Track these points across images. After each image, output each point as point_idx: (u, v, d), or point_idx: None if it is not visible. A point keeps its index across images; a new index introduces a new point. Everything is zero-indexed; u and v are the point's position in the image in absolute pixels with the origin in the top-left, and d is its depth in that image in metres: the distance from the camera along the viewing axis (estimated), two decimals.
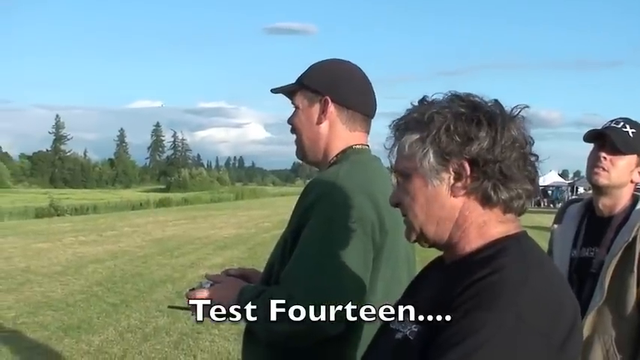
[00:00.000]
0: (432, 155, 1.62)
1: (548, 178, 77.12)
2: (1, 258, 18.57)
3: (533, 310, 1.48)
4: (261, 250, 19.32)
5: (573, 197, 3.97)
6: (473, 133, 1.59)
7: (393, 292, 2.23)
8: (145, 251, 20.45)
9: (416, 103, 1.70)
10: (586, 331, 3.06)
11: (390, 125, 1.74)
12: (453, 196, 1.64)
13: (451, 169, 1.62)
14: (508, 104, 1.67)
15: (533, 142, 1.67)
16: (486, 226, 1.65)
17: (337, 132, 2.61)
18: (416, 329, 1.62)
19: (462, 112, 1.61)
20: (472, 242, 1.65)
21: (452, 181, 1.63)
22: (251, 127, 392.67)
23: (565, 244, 3.34)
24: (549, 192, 74.45)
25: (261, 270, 2.68)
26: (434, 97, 1.69)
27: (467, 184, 1.62)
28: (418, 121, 1.65)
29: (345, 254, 2.31)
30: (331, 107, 2.59)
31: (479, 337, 1.44)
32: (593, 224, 3.28)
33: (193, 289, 2.57)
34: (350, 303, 2.24)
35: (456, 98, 1.66)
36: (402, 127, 1.69)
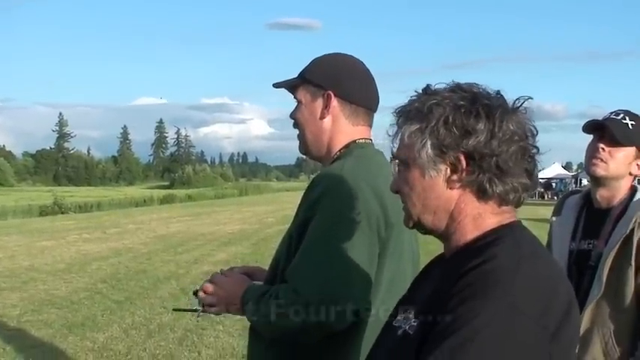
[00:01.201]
0: (429, 147, 1.63)
1: (552, 170, 77.09)
2: (6, 256, 18.57)
3: (526, 297, 1.49)
4: (265, 246, 19.39)
5: (572, 189, 3.98)
6: (470, 126, 1.60)
7: (398, 285, 2.24)
8: (149, 248, 20.45)
9: (420, 92, 1.70)
10: (585, 324, 3.06)
11: (393, 112, 1.75)
12: (449, 188, 1.66)
13: (448, 162, 1.63)
14: (513, 97, 1.68)
15: (537, 134, 1.68)
16: (481, 217, 1.67)
17: (340, 126, 2.60)
18: (415, 323, 1.65)
19: (461, 105, 1.62)
20: (468, 233, 1.67)
21: (448, 173, 1.64)
22: (254, 122, 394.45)
23: (564, 236, 3.33)
24: (553, 184, 74.42)
25: (266, 267, 2.69)
26: (437, 87, 1.69)
27: (462, 177, 1.63)
28: (419, 110, 1.66)
29: (350, 249, 2.31)
30: (334, 102, 2.58)
31: (474, 326, 1.45)
32: (592, 216, 3.27)
33: (198, 290, 2.63)
34: (356, 298, 2.31)
35: (457, 89, 1.66)
36: (404, 115, 1.70)
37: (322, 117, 2.60)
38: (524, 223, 1.72)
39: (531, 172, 1.66)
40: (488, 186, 1.62)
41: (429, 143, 1.63)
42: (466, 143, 1.60)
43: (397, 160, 1.75)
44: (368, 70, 2.67)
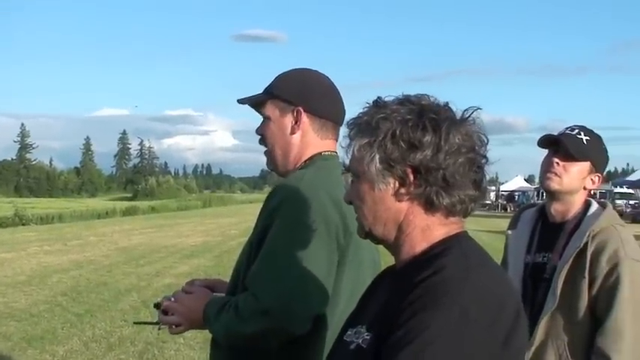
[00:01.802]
0: (377, 161, 1.67)
1: (515, 183, 77.89)
2: None
3: (476, 306, 1.53)
4: (227, 258, 19.26)
5: (529, 203, 4.08)
6: (417, 140, 1.64)
7: (358, 293, 2.25)
8: (111, 260, 20.25)
9: (370, 104, 1.74)
10: (539, 336, 3.11)
11: (345, 125, 1.80)
12: (398, 201, 1.70)
13: (396, 175, 1.67)
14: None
15: (487, 143, 1.71)
16: (429, 229, 1.71)
17: (309, 141, 2.63)
18: (368, 337, 1.67)
19: (408, 119, 1.65)
20: (416, 245, 1.71)
21: (397, 186, 1.68)
22: (218, 134, 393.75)
23: (519, 249, 3.38)
24: (516, 197, 75.04)
25: (227, 279, 2.71)
26: (387, 99, 1.72)
27: (410, 190, 1.68)
28: (368, 124, 1.70)
29: (309, 256, 2.35)
30: (304, 117, 2.61)
31: (426, 336, 1.49)
32: (547, 230, 3.32)
33: (158, 303, 2.64)
34: (314, 304, 2.36)
35: (406, 101, 1.70)
36: (355, 129, 1.74)
37: (292, 132, 2.62)
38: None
39: (479, 183, 1.70)
40: (435, 198, 1.66)
41: (377, 157, 1.67)
42: (413, 157, 1.64)
43: (350, 173, 1.78)
44: (334, 85, 2.71)
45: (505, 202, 72.90)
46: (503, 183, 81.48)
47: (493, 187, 76.78)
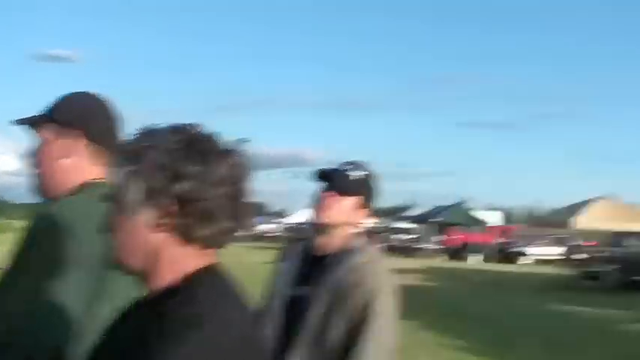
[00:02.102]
0: (139, 190, 1.61)
1: (300, 215, 79.08)
2: None
3: (219, 341, 1.53)
4: None
5: (299, 236, 4.20)
6: (181, 171, 1.58)
7: None
8: None
9: (139, 131, 1.69)
10: None
11: (114, 151, 1.75)
12: (155, 232, 1.63)
13: (156, 206, 1.61)
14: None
15: (252, 175, 1.70)
16: (184, 261, 1.65)
17: (80, 166, 2.53)
18: None
19: (174, 148, 1.61)
20: (168, 277, 1.66)
21: (155, 216, 1.62)
22: (1, 157, 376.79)
23: (283, 282, 3.39)
24: (297, 230, 75.71)
25: None
26: (157, 127, 1.68)
27: (168, 221, 1.62)
28: (134, 152, 1.64)
29: (62, 287, 2.26)
30: (79, 142, 2.51)
31: None
32: (310, 263, 3.34)
33: None
34: (62, 337, 2.23)
35: (176, 130, 1.65)
36: (122, 156, 1.68)
37: (65, 157, 2.52)
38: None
39: (239, 215, 1.67)
40: (193, 230, 1.62)
41: (138, 186, 1.61)
42: (175, 188, 1.59)
43: (111, 200, 1.72)
44: (115, 111, 2.62)
45: (287, 235, 73.62)
46: (288, 215, 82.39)
47: (279, 219, 77.75)
